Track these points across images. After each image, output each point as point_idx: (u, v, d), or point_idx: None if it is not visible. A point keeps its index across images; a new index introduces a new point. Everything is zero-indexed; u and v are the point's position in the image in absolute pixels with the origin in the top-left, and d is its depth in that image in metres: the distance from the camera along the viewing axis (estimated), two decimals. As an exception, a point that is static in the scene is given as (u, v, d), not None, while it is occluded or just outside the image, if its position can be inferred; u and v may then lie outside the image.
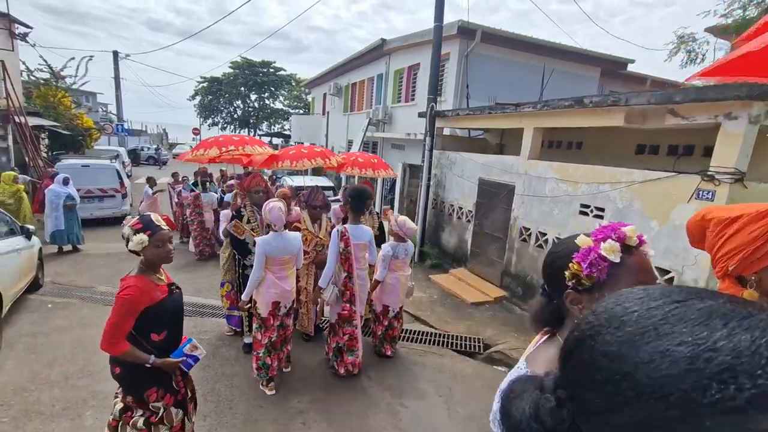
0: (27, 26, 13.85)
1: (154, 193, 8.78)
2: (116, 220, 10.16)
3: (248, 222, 3.88)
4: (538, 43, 10.37)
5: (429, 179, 8.25)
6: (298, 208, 4.46)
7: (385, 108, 13.87)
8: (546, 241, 5.67)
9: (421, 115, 8.92)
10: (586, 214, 5.04)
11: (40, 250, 6.02)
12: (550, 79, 9.91)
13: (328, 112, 19.73)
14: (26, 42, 13.93)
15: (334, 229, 3.56)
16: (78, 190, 10.11)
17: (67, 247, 7.92)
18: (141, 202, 8.82)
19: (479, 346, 4.79)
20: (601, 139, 6.77)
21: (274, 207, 3.21)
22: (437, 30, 7.85)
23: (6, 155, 9.67)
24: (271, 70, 44.39)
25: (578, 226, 5.11)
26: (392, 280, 4.05)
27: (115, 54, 25.02)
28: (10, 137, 9.79)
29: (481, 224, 7.05)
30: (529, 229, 5.95)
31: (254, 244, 3.49)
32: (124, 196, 10.43)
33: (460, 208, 7.70)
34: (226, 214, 4.25)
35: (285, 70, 45.08)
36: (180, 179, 9.10)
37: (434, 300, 6.36)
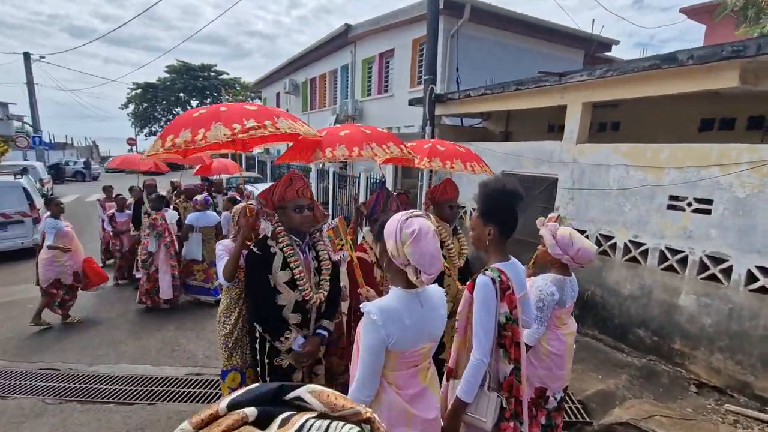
0: None
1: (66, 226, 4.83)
2: (25, 253, 7.82)
3: (285, 267, 2.10)
4: (530, 22, 9.35)
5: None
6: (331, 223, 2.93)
7: (354, 102, 12.34)
8: (614, 246, 4.44)
9: (413, 102, 7.51)
10: (679, 208, 3.85)
11: None
12: (534, 63, 8.98)
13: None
14: None
15: (481, 281, 1.70)
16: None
17: (-55, 299, 5.64)
18: (41, 246, 4.69)
19: (578, 410, 3.40)
20: (647, 116, 5.71)
21: (423, 231, 1.39)
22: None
23: None
24: (213, 74, 41.42)
25: (669, 224, 3.91)
26: (556, 345, 2.28)
27: (26, 56, 21.42)
28: None
29: (508, 228, 5.74)
30: (585, 231, 4.70)
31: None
32: (36, 221, 8.07)
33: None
34: (226, 245, 2.54)
35: (228, 74, 42.31)
36: (114, 195, 6.92)
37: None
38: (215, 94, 40.91)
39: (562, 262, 2.24)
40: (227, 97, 40.03)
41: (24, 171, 9.17)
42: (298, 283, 2.09)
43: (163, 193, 6.16)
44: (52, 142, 34.65)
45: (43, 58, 22.28)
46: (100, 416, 3.15)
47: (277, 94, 19.82)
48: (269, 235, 2.16)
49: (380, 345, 1.41)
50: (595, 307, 4.63)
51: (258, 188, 9.47)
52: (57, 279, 4.65)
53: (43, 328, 4.71)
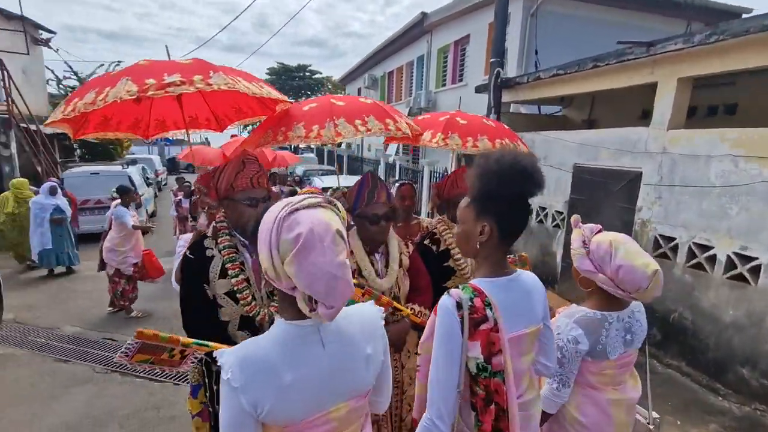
0: (50, 31, 13.28)
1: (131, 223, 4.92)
2: (129, 233, 8.96)
3: (225, 274, 1.66)
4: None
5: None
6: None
7: (428, 94, 11.93)
8: (712, 259, 3.50)
9: (479, 89, 6.92)
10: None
11: (-6, 280, 4.66)
12: (626, 38, 7.61)
13: (363, 107, 18.10)
14: (49, 47, 13.37)
15: (441, 304, 1.16)
16: (87, 201, 9.10)
17: (60, 269, 6.65)
18: (106, 234, 4.94)
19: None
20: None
21: (313, 236, 0.85)
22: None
23: (9, 164, 8.74)
24: (307, 73, 43.93)
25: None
26: (591, 415, 1.52)
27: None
28: (14, 144, 8.84)
29: (579, 230, 4.94)
30: (674, 238, 3.80)
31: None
32: (138, 205, 9.22)
33: (543, 209, 5.62)
34: (187, 239, 2.38)
35: (321, 73, 44.49)
36: (183, 185, 7.50)
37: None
38: (309, 92, 43.39)
39: (602, 287, 1.47)
40: (319, 95, 42.24)
41: (133, 162, 10.49)
42: (237, 295, 1.64)
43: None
44: (173, 138, 39.92)
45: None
46: (132, 390, 3.35)
47: (359, 90, 20.19)
48: (209, 233, 1.73)
49: (242, 419, 0.87)
50: (684, 334, 3.72)
51: (324, 181, 9.63)
52: (117, 269, 4.82)
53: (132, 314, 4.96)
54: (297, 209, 0.89)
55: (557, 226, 5.37)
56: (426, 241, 2.28)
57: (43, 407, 3.12)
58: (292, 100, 2.50)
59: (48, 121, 1.84)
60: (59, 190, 6.74)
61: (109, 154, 15.89)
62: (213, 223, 1.75)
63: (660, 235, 3.95)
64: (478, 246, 1.21)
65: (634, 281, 1.38)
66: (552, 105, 7.14)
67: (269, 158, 7.39)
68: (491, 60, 6.09)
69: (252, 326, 1.69)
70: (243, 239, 1.72)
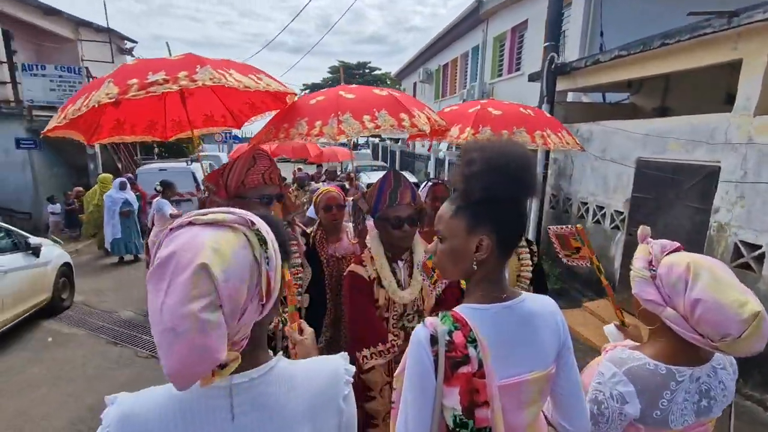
0: (132, 41, 14.69)
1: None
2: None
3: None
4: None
5: (545, 166, 5.71)
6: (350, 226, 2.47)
7: (483, 85, 11.37)
8: (810, 272, 2.86)
9: (532, 78, 6.39)
10: None
11: (68, 265, 5.18)
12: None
13: (418, 102, 17.82)
14: (132, 56, 14.78)
15: (414, 337, 0.91)
16: (155, 195, 9.96)
17: (129, 257, 7.31)
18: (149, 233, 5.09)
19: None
20: None
21: (171, 265, 0.60)
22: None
23: (93, 161, 9.76)
24: (367, 70, 44.47)
25: None
26: None
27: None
28: (98, 145, 9.85)
29: (642, 233, 4.35)
30: (759, 246, 3.17)
31: None
32: (200, 199, 9.89)
33: (600, 208, 5.04)
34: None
35: (380, 70, 44.80)
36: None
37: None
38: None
39: (671, 327, 1.02)
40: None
41: (194, 159, 11.21)
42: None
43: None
44: (243, 137, 42.71)
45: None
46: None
47: (414, 84, 19.91)
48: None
49: None
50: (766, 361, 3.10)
51: (371, 177, 9.57)
52: None
53: None
54: (189, 223, 0.66)
55: (616, 227, 4.78)
56: None
57: (86, 386, 3.37)
58: (300, 93, 2.38)
59: (45, 131, 1.82)
60: (128, 185, 7.38)
61: (182, 152, 17.29)
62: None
63: (741, 242, 3.32)
64: (474, 266, 0.93)
65: (720, 324, 0.93)
66: (618, 92, 6.40)
67: (312, 153, 7.47)
68: (545, 44, 5.58)
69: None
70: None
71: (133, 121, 2.39)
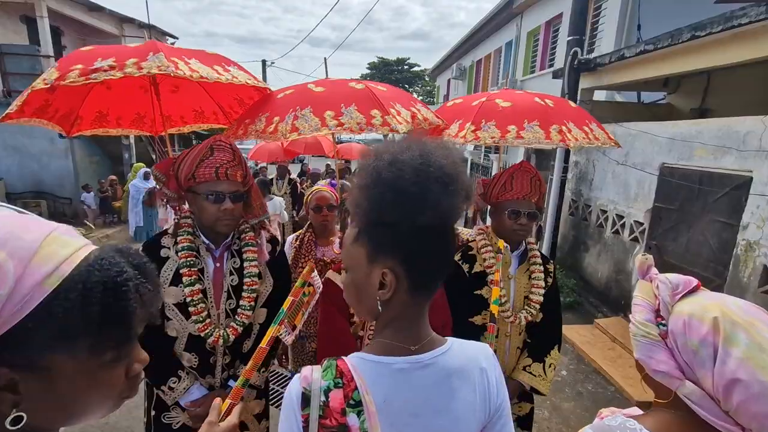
0: (173, 36, 15.30)
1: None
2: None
3: (179, 281, 1.42)
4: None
5: (565, 170, 5.32)
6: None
7: (513, 82, 10.87)
8: None
9: (556, 75, 5.98)
10: None
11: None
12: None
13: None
14: (172, 51, 15.39)
15: (287, 393, 0.72)
16: (183, 186, 10.34)
17: (150, 245, 7.62)
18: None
19: None
20: None
21: None
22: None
23: (128, 151, 10.25)
24: (406, 67, 44.20)
25: None
26: None
27: (263, 63, 27.38)
28: (132, 135, 10.34)
29: (662, 247, 3.93)
30: (792, 271, 2.73)
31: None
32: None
33: (620, 217, 4.62)
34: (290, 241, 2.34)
35: (419, 66, 44.39)
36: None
37: (561, 378, 3.61)
38: (407, 86, 43.74)
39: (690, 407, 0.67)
40: (417, 88, 42.22)
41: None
42: (189, 308, 1.38)
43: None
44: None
45: (273, 63, 28.02)
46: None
47: (448, 81, 19.48)
48: (170, 230, 1.49)
49: None
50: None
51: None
52: None
53: None
54: None
55: (635, 239, 4.36)
56: (457, 258, 1.76)
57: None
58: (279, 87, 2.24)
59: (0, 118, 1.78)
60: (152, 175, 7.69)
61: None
62: (176, 219, 1.54)
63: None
64: (378, 306, 0.72)
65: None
66: (654, 91, 5.85)
67: (326, 149, 7.40)
68: (568, 39, 5.18)
69: (201, 348, 1.44)
70: (208, 241, 1.46)
71: (117, 113, 2.37)
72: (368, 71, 45.04)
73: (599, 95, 6.14)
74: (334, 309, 1.47)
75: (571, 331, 4.40)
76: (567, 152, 5.32)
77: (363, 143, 12.89)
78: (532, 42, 10.71)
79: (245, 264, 1.49)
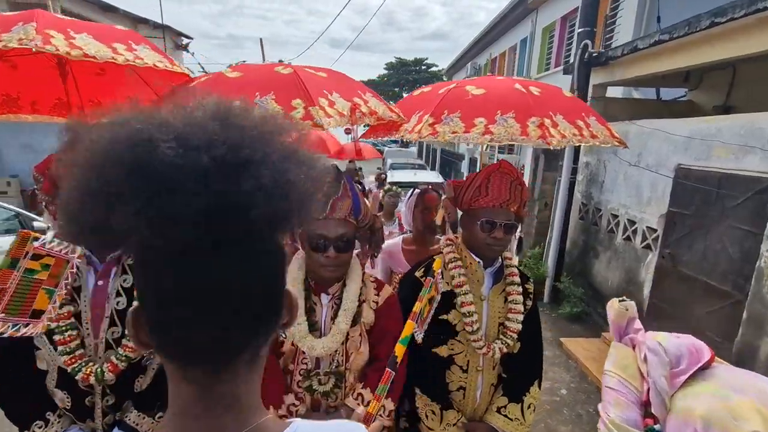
0: (188, 37, 15.48)
1: None
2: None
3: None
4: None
5: (574, 171, 4.99)
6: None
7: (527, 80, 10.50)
8: None
9: (567, 70, 5.64)
10: None
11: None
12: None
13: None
14: (187, 51, 15.60)
15: None
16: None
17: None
18: None
19: None
20: None
21: None
22: None
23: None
24: (423, 67, 43.91)
25: None
26: None
27: (280, 63, 27.59)
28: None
29: (676, 255, 3.58)
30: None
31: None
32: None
33: (632, 222, 4.27)
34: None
35: (437, 66, 44.01)
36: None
37: (560, 398, 3.31)
38: (423, 85, 43.38)
39: None
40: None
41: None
42: (55, 337, 1.13)
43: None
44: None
45: (290, 63, 28.26)
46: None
47: (463, 80, 19.15)
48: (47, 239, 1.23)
49: None
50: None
51: (396, 176, 9.16)
52: None
53: None
54: None
55: (648, 247, 4.01)
56: (418, 274, 1.50)
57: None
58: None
59: None
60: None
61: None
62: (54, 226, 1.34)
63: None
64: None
65: None
66: (675, 87, 5.44)
67: (331, 149, 7.22)
68: (578, 31, 4.85)
69: (75, 386, 1.18)
70: (89, 252, 1.22)
71: (32, 97, 2.15)
72: (385, 71, 44.97)
73: (615, 92, 5.76)
74: None
75: (575, 345, 4.08)
76: (577, 152, 4.99)
77: (371, 144, 12.65)
78: (547, 38, 10.32)
79: None
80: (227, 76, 1.65)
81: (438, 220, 1.73)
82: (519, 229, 1.58)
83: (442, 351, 1.43)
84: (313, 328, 1.28)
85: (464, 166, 9.89)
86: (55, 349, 1.14)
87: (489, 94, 1.69)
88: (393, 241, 2.20)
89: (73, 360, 1.13)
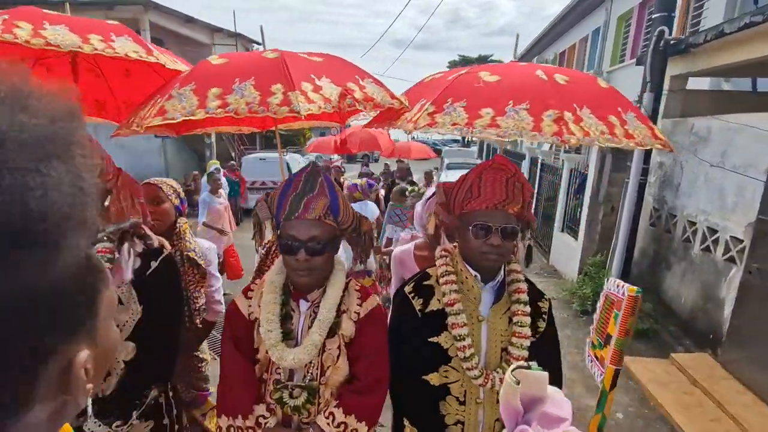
0: (258, 43, 16.45)
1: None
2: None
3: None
4: None
5: (645, 172, 4.50)
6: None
7: (599, 74, 9.70)
8: None
9: (639, 61, 5.12)
10: None
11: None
12: None
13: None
14: (257, 56, 16.56)
15: None
16: (254, 182, 11.04)
17: (218, 236, 8.20)
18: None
19: None
20: None
21: None
22: None
23: (209, 149, 11.21)
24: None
25: None
26: None
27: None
28: (213, 134, 11.28)
29: (766, 271, 3.07)
30: None
31: None
32: None
33: (712, 231, 3.76)
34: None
35: (502, 62, 42.40)
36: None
37: (615, 422, 3.00)
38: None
39: None
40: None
41: (297, 151, 12.13)
42: None
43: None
44: (350, 125, 45.72)
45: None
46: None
47: (528, 76, 18.22)
48: None
49: None
50: None
51: (449, 176, 8.97)
52: None
53: None
54: None
55: (731, 260, 3.49)
56: (408, 289, 1.33)
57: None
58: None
59: None
60: (221, 171, 8.25)
61: (293, 142, 18.91)
62: None
63: None
64: None
65: None
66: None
67: (383, 147, 7.26)
68: (653, 16, 4.37)
69: None
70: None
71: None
72: (448, 70, 44.40)
73: (699, 83, 5.12)
74: (232, 344, 1.22)
75: (638, 365, 3.69)
76: (648, 150, 4.49)
77: (429, 144, 12.46)
78: (623, 27, 9.48)
79: None
80: (211, 63, 1.64)
81: (430, 229, 1.59)
82: (527, 237, 1.39)
83: (434, 379, 1.24)
84: (289, 337, 1.18)
85: (524, 167, 9.36)
86: None
87: (503, 82, 1.52)
88: (405, 247, 2.06)
89: None
